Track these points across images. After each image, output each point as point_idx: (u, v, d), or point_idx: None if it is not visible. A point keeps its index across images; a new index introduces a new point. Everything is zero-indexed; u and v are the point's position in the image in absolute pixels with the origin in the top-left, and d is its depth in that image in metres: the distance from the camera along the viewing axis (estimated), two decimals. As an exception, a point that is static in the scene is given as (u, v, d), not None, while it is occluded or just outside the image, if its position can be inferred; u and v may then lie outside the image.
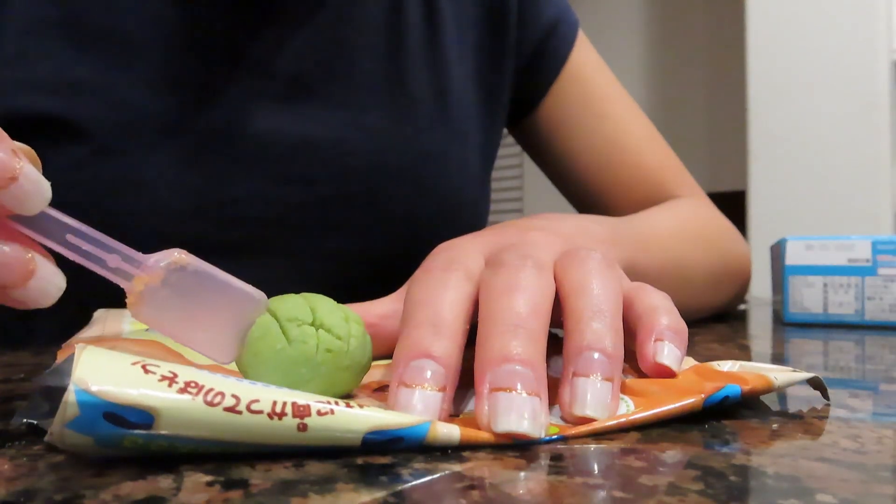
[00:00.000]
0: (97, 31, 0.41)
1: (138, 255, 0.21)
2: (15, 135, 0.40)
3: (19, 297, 0.20)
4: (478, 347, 0.21)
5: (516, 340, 0.21)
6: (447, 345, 0.21)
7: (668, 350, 0.24)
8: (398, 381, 0.20)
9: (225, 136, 0.43)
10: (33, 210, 0.20)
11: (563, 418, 0.21)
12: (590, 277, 0.24)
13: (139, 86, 0.41)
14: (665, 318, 0.25)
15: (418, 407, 0.20)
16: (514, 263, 0.24)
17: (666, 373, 0.24)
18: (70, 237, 0.21)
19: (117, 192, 0.41)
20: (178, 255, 0.22)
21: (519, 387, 0.19)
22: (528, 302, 0.22)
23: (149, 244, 0.41)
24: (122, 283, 0.21)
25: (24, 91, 0.40)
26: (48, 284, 0.20)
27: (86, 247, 0.21)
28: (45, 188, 0.20)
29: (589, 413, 0.20)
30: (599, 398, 0.21)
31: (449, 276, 0.24)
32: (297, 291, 0.24)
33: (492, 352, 0.21)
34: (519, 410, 0.19)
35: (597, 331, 0.22)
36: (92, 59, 0.41)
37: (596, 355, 0.22)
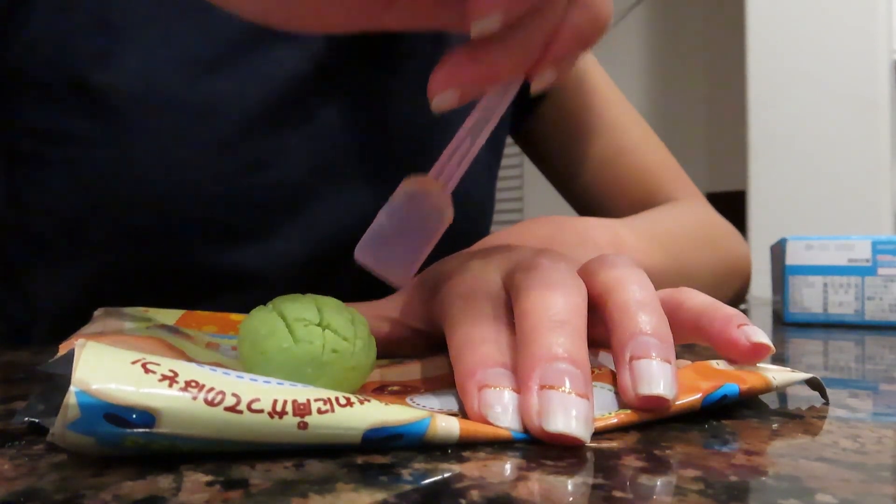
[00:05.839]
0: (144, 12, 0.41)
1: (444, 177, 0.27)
2: (50, 95, 0.40)
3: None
4: (523, 344, 0.21)
5: (563, 338, 0.20)
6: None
7: (752, 331, 0.24)
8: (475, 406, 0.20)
9: (263, 122, 0.43)
10: (498, 113, 0.26)
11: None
12: (626, 274, 0.24)
13: (179, 67, 0.41)
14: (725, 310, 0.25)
15: (498, 411, 0.19)
16: (547, 265, 0.24)
17: (763, 350, 0.23)
18: (467, 137, 0.27)
19: (149, 173, 0.40)
20: (450, 214, 0.27)
21: (568, 386, 0.19)
22: (569, 300, 0.22)
23: (177, 226, 0.41)
24: (428, 172, 0.27)
25: (68, 47, 0.39)
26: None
27: (463, 148, 0.27)
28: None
29: (658, 391, 0.20)
30: (666, 376, 0.20)
31: (483, 315, 0.23)
32: (304, 283, 0.24)
33: (540, 348, 0.20)
34: (570, 411, 0.18)
35: (645, 319, 0.22)
36: (136, 36, 0.40)
37: (651, 339, 0.21)
